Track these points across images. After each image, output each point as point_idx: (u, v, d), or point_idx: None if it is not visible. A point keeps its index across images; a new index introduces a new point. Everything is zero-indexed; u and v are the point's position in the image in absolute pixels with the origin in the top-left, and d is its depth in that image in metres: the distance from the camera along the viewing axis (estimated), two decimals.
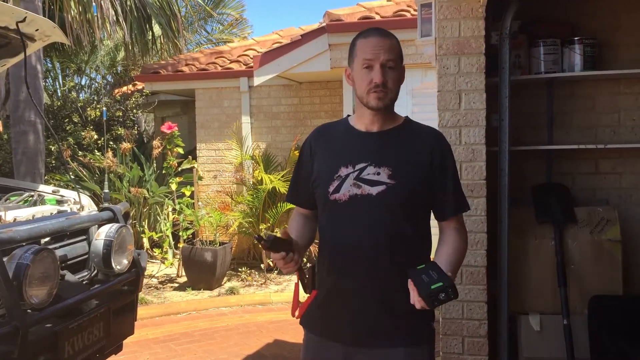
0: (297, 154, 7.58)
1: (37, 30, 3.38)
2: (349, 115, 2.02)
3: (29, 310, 2.36)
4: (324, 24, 6.51)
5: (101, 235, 2.98)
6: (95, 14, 7.77)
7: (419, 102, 5.96)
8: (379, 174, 1.81)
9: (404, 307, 1.81)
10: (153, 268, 7.14)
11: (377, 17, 6.27)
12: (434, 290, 1.62)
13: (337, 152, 1.91)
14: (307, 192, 1.96)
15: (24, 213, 2.98)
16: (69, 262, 2.92)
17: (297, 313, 1.85)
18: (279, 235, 1.81)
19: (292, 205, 7.01)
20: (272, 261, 7.06)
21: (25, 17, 3.18)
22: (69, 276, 2.79)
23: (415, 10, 6.06)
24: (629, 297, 3.15)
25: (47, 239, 2.78)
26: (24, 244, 2.48)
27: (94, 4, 7.71)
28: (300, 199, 2.03)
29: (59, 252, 2.69)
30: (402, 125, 1.91)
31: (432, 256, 1.97)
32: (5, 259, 2.30)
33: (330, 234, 1.90)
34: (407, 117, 1.96)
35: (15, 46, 3.44)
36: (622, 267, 3.10)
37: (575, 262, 3.14)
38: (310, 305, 1.94)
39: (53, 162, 8.30)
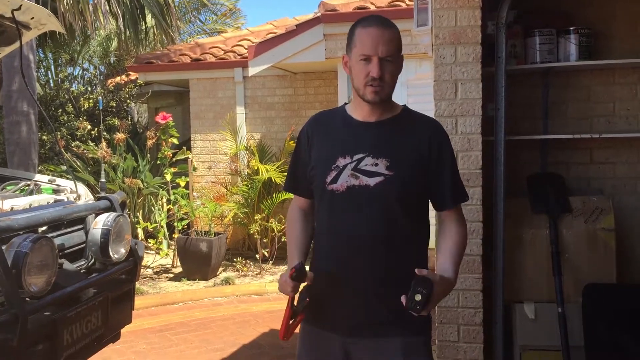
0: (292, 144, 7.58)
1: (32, 18, 3.36)
2: (345, 104, 2.00)
3: (27, 299, 2.36)
4: (318, 14, 6.50)
5: (99, 224, 2.98)
6: (92, 2, 7.72)
7: (413, 92, 5.97)
8: (376, 165, 1.80)
9: (400, 298, 1.83)
10: (148, 258, 7.14)
11: (372, 7, 6.26)
12: (409, 298, 1.66)
13: (334, 141, 1.90)
14: (306, 180, 1.96)
15: (21, 202, 2.98)
16: (66, 251, 2.92)
17: (285, 336, 1.88)
18: (305, 268, 1.84)
19: (287, 196, 7.01)
20: (267, 252, 7.06)
21: (21, 5, 3.16)
22: (67, 265, 2.80)
23: (410, 0, 6.06)
24: (623, 286, 3.18)
25: (44, 228, 2.78)
26: (21, 232, 2.48)
27: None
28: (299, 187, 2.02)
29: (56, 241, 2.68)
30: (400, 115, 1.90)
31: (430, 246, 1.99)
32: (3, 247, 2.30)
33: (327, 225, 1.90)
34: (404, 106, 1.95)
35: (10, 35, 3.42)
36: (616, 255, 3.13)
37: (570, 251, 3.16)
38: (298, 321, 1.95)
39: (47, 152, 8.27)
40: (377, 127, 1.87)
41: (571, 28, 3.19)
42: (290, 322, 1.86)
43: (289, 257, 2.01)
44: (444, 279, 1.77)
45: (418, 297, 1.65)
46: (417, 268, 1.79)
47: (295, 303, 1.85)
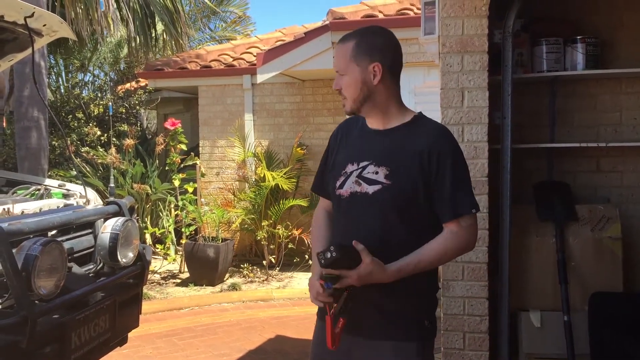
0: (300, 151, 7.54)
1: (44, 25, 3.41)
2: None
3: (37, 301, 2.38)
4: (327, 22, 6.54)
5: (107, 228, 3.01)
6: (103, 10, 7.79)
7: (421, 100, 5.97)
8: (377, 173, 1.83)
9: (392, 304, 1.83)
10: (155, 264, 7.17)
11: (380, 16, 6.29)
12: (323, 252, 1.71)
13: (348, 148, 1.95)
14: (329, 183, 2.00)
15: (32, 206, 3.01)
16: (75, 255, 2.95)
17: (333, 344, 1.81)
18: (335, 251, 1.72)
19: (295, 202, 6.97)
20: (274, 258, 7.06)
21: (34, 12, 3.21)
22: (76, 268, 2.82)
23: (418, 8, 6.08)
24: (629, 294, 3.18)
25: (54, 232, 2.81)
26: (31, 235, 2.51)
27: (101, 0, 7.74)
28: (324, 189, 2.04)
29: (65, 245, 2.71)
30: (409, 123, 1.89)
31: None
32: (14, 250, 2.33)
33: (335, 228, 1.97)
34: (419, 113, 1.93)
35: (22, 41, 3.46)
36: (623, 264, 3.13)
37: (576, 260, 3.16)
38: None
39: (56, 158, 8.34)
40: (383, 135, 1.89)
41: (578, 37, 3.20)
42: (335, 329, 1.80)
43: (313, 263, 2.00)
44: (376, 265, 1.72)
45: (327, 255, 1.69)
46: (412, 279, 1.79)
47: (333, 310, 1.81)
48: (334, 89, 1.91)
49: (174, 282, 6.83)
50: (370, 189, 1.83)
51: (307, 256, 6.83)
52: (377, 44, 1.86)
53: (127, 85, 10.24)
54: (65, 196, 3.49)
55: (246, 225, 7.27)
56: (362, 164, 1.86)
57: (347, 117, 2.07)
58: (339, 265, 1.72)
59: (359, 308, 1.83)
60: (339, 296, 1.79)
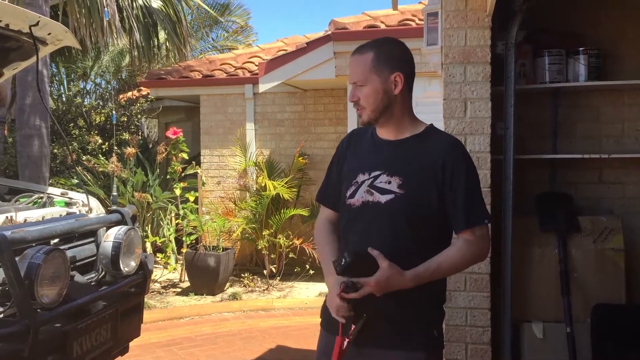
0: (301, 160, 7.53)
1: (49, 34, 3.43)
2: None
3: (39, 310, 2.38)
4: (329, 32, 6.57)
5: (110, 237, 3.01)
6: (107, 19, 7.82)
7: (422, 110, 5.94)
8: (390, 182, 1.84)
9: (403, 314, 1.84)
10: (156, 273, 7.13)
11: (382, 26, 6.32)
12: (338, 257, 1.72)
13: (359, 158, 1.97)
14: (335, 192, 2.01)
15: (34, 214, 3.02)
16: (77, 263, 2.95)
17: None
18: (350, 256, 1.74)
19: (296, 212, 6.96)
20: (274, 267, 7.04)
21: (39, 21, 3.23)
22: (78, 277, 2.82)
23: (420, 19, 6.12)
24: (632, 306, 3.17)
25: (56, 240, 2.81)
26: (34, 244, 2.51)
27: (105, 9, 7.77)
28: (329, 199, 2.06)
29: (68, 253, 2.71)
30: (421, 134, 1.91)
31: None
32: (17, 259, 2.33)
33: (343, 236, 1.97)
34: (430, 125, 1.95)
35: (27, 50, 3.48)
36: (625, 276, 3.12)
37: (579, 271, 3.16)
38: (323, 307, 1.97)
39: (58, 166, 8.35)
40: (396, 146, 1.91)
41: (580, 48, 3.21)
42: (344, 348, 1.81)
43: (325, 274, 1.98)
44: (393, 270, 1.72)
45: (342, 262, 1.70)
46: (423, 289, 1.80)
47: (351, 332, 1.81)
48: (350, 101, 1.91)
49: (174, 291, 6.82)
50: (383, 198, 1.84)
51: (307, 266, 6.82)
52: (396, 54, 1.89)
53: (129, 94, 10.27)
54: (68, 204, 3.50)
55: (247, 235, 7.26)
56: (373, 174, 1.88)
57: (354, 127, 2.07)
58: (354, 272, 1.71)
59: (369, 317, 1.83)
60: (359, 315, 1.79)
